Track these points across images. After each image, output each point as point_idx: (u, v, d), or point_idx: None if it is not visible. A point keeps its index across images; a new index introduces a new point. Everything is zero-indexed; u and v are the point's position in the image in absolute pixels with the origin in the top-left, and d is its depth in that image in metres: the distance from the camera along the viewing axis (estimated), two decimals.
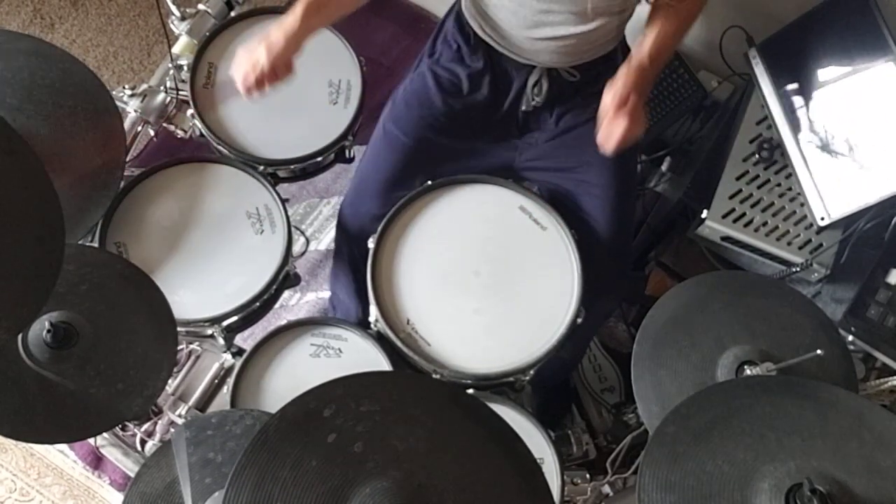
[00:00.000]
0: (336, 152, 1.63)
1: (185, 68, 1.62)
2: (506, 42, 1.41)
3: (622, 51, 1.50)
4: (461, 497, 0.86)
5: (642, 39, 1.33)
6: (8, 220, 0.83)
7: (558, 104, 1.47)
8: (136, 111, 1.63)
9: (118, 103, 1.46)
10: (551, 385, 1.86)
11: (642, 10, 1.39)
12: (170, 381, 1.66)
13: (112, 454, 1.73)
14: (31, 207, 0.86)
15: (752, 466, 0.93)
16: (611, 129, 1.27)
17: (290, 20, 1.29)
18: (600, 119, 1.29)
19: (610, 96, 1.27)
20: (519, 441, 0.92)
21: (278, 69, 1.30)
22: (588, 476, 1.57)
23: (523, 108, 1.47)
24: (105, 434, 1.68)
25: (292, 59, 1.32)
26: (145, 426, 1.69)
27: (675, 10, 1.32)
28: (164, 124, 1.67)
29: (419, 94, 1.49)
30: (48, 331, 1.08)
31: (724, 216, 1.60)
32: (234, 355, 1.62)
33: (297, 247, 1.75)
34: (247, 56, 1.31)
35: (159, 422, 1.68)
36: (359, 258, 1.60)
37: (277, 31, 1.30)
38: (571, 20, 1.31)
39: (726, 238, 1.63)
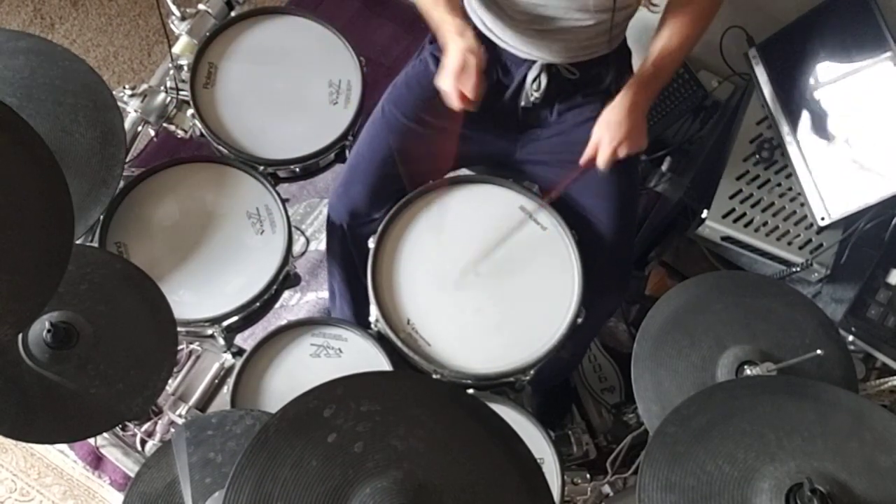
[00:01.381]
0: (336, 152, 1.63)
1: (186, 68, 1.62)
2: (506, 35, 1.41)
3: (623, 52, 1.50)
4: (461, 497, 0.86)
5: (650, 48, 1.34)
6: (17, 212, 0.82)
7: (559, 101, 1.47)
8: (136, 111, 1.63)
9: (118, 103, 1.46)
10: (551, 385, 1.86)
11: (645, 15, 1.39)
12: (170, 381, 1.66)
13: (112, 454, 1.73)
14: (41, 199, 0.85)
15: (752, 466, 0.93)
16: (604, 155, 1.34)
17: (454, 26, 1.28)
18: (592, 143, 1.34)
19: (604, 131, 1.32)
20: (519, 441, 0.92)
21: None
22: (588, 476, 1.57)
23: (522, 103, 1.47)
24: (105, 434, 1.68)
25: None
26: (145, 426, 1.69)
27: (684, 14, 1.33)
28: (165, 124, 1.67)
29: (420, 76, 1.49)
30: (48, 331, 1.08)
31: (725, 216, 1.60)
32: (234, 355, 1.62)
33: (298, 247, 1.75)
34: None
35: (159, 422, 1.68)
36: (351, 245, 1.59)
37: (455, 45, 1.27)
38: (572, 14, 1.31)
39: (726, 238, 1.63)
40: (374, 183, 1.49)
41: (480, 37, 1.44)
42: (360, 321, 1.49)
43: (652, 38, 1.36)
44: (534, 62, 1.42)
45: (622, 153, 1.33)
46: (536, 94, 1.44)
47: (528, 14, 1.34)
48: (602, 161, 1.34)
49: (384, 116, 1.50)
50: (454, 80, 1.27)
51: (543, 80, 1.43)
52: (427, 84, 1.47)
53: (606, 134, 1.32)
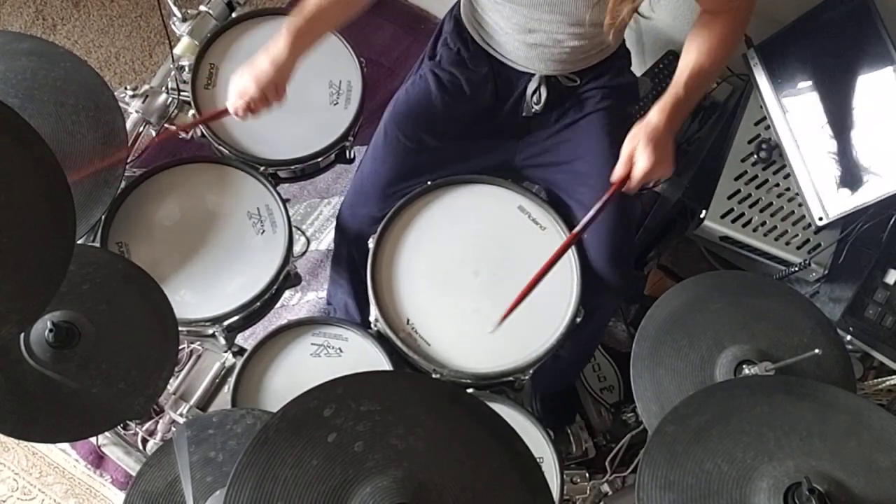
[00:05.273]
0: (337, 153, 1.63)
1: (187, 69, 1.62)
2: (502, 49, 1.41)
3: (622, 52, 1.50)
4: (461, 496, 0.86)
5: (680, 68, 1.29)
6: (19, 212, 0.83)
7: (558, 107, 1.48)
8: (137, 112, 1.64)
9: (120, 104, 1.46)
10: (556, 391, 1.87)
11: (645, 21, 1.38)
12: (171, 381, 1.66)
13: (114, 453, 1.74)
14: (42, 199, 0.85)
15: (750, 465, 0.93)
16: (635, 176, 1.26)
17: (279, 49, 1.28)
18: (623, 158, 1.27)
19: (638, 153, 1.24)
20: (519, 440, 0.93)
21: (269, 96, 1.31)
22: (587, 475, 1.57)
23: (524, 113, 1.48)
24: (107, 433, 1.69)
25: (285, 85, 1.32)
26: (147, 425, 1.70)
27: (713, 33, 1.28)
28: (166, 125, 1.68)
29: (420, 96, 1.49)
30: (50, 330, 1.09)
31: (723, 216, 1.60)
32: (235, 355, 1.62)
33: (298, 247, 1.76)
34: (236, 85, 1.31)
35: (161, 421, 1.69)
36: (358, 261, 1.61)
37: (265, 59, 1.29)
38: (567, 28, 1.31)
39: (725, 238, 1.63)
40: (380, 205, 1.50)
41: (479, 49, 1.45)
42: (363, 322, 1.50)
43: (682, 57, 1.31)
44: (533, 75, 1.42)
45: (656, 175, 1.26)
46: (537, 107, 1.45)
47: (523, 29, 1.34)
48: (638, 177, 1.25)
49: (386, 138, 1.50)
50: (245, 92, 1.29)
51: (543, 92, 1.43)
52: (427, 104, 1.48)
53: (646, 150, 1.24)
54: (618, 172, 1.27)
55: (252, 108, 1.32)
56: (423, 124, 1.48)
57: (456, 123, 1.49)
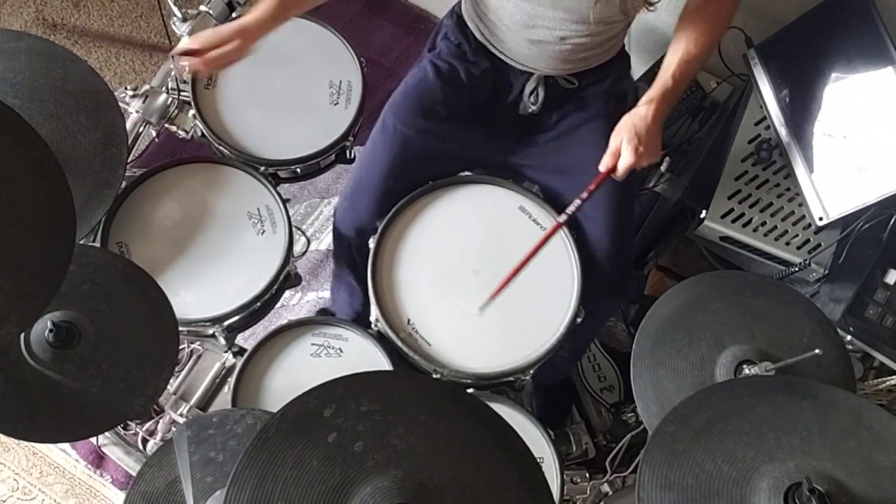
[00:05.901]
0: (337, 153, 1.63)
1: (187, 69, 1.62)
2: (503, 46, 1.41)
3: (621, 57, 1.50)
4: (461, 496, 0.86)
5: (668, 58, 1.32)
6: (20, 212, 0.83)
7: (556, 108, 1.48)
8: (137, 112, 1.63)
9: (120, 104, 1.46)
10: (552, 384, 1.87)
11: (645, 17, 1.39)
12: (171, 381, 1.66)
13: (114, 453, 1.74)
14: (43, 199, 0.85)
15: (750, 466, 0.93)
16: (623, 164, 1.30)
17: (266, 7, 1.28)
18: (609, 150, 1.31)
19: (626, 142, 1.28)
20: (519, 440, 0.93)
21: (239, 40, 1.28)
22: (587, 475, 1.57)
23: (520, 112, 1.48)
24: (107, 433, 1.69)
25: (254, 41, 1.31)
26: (147, 425, 1.70)
27: (700, 22, 1.31)
28: (166, 125, 1.68)
29: (419, 84, 1.49)
30: (50, 330, 1.09)
31: (723, 216, 1.61)
32: (235, 355, 1.62)
33: (298, 247, 1.76)
34: (214, 33, 1.29)
35: (161, 421, 1.69)
36: (357, 255, 1.60)
37: (252, 17, 1.28)
38: (569, 26, 1.31)
39: (725, 238, 1.63)
40: (379, 198, 1.49)
41: (480, 45, 1.45)
42: (358, 319, 1.50)
43: (670, 47, 1.34)
44: (531, 74, 1.42)
45: (643, 163, 1.30)
46: (534, 107, 1.45)
47: (526, 25, 1.34)
48: (623, 169, 1.30)
49: (385, 128, 1.50)
50: (205, 43, 1.27)
51: (541, 92, 1.43)
52: (426, 92, 1.48)
53: (630, 143, 1.28)
54: (605, 163, 1.31)
55: (222, 60, 1.29)
56: (421, 111, 1.47)
57: (454, 111, 1.48)
